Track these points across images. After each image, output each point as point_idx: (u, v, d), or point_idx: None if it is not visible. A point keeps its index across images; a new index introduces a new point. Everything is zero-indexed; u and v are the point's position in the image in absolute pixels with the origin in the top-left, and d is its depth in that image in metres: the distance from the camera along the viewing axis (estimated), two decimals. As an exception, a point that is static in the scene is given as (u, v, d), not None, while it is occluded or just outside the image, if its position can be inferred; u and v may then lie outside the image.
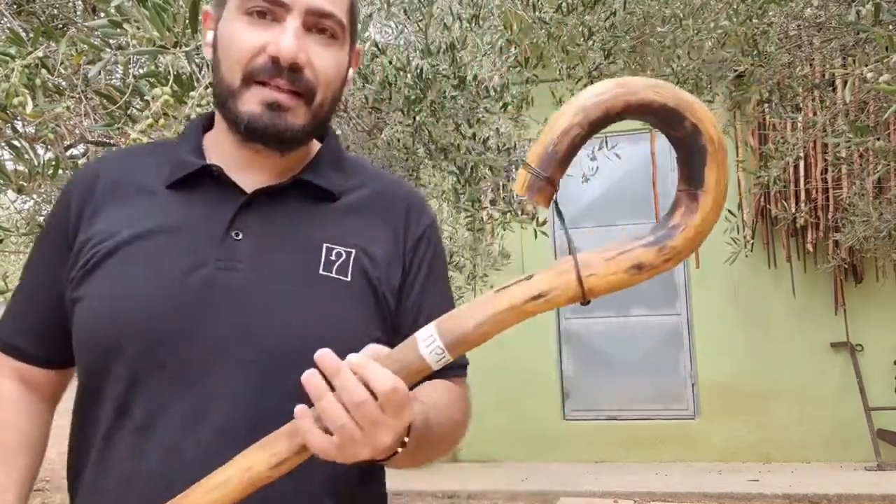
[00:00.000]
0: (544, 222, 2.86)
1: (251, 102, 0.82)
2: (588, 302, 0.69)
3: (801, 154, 4.31)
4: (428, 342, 0.67)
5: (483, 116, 2.30)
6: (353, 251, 0.85)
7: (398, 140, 2.33)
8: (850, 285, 4.94)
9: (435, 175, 2.75)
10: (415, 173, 2.59)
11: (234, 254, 0.82)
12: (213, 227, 0.83)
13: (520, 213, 2.80)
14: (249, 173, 0.87)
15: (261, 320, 0.80)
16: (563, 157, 0.68)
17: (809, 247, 4.85)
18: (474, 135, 2.31)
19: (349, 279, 0.84)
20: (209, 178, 0.87)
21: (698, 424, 5.17)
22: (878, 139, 2.32)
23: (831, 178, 4.55)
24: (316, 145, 0.94)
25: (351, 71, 0.93)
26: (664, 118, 0.69)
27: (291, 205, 0.87)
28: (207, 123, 0.95)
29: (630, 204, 5.42)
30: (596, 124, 0.68)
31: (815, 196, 4.74)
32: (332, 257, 0.84)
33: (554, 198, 0.69)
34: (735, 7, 2.19)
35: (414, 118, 2.22)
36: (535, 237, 3.02)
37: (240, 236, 0.84)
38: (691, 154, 0.69)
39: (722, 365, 5.14)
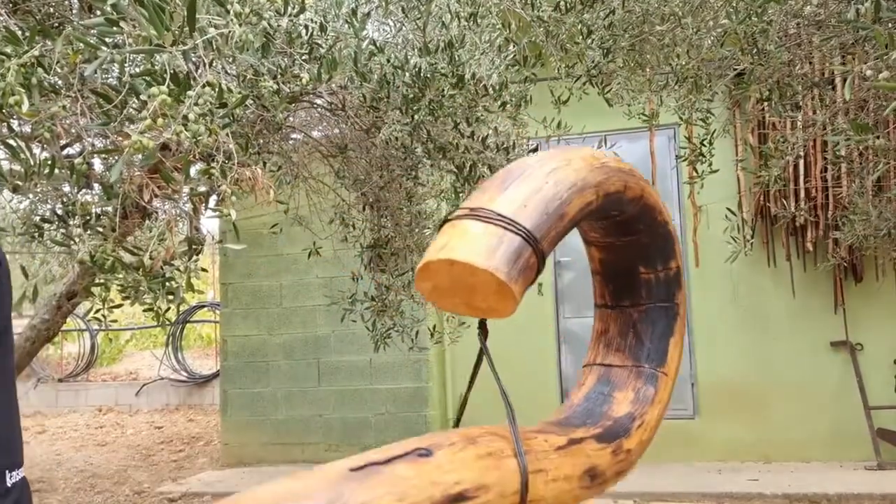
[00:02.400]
0: (543, 221, 2.85)
1: None
2: None
3: (801, 153, 4.30)
4: None
5: (482, 115, 2.29)
6: None
7: (396, 139, 2.33)
8: (850, 284, 4.93)
9: (433, 174, 2.74)
10: (413, 172, 2.58)
11: None
12: None
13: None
14: None
15: None
16: (565, 228, 0.42)
17: (809, 246, 4.84)
18: (473, 133, 2.30)
19: None
20: None
21: (698, 424, 5.16)
22: (878, 137, 2.31)
23: (831, 177, 4.54)
24: None
25: None
26: (653, 244, 0.47)
27: None
28: None
29: (629, 203, 5.42)
30: (608, 202, 0.44)
31: (815, 195, 4.73)
32: None
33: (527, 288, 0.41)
34: (734, 5, 2.19)
35: (412, 117, 2.22)
36: (534, 236, 3.01)
37: None
38: (654, 315, 0.48)
39: (722, 364, 5.14)
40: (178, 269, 1.85)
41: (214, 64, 1.63)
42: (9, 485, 0.74)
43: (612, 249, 0.50)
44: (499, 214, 0.38)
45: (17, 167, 1.74)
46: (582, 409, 0.48)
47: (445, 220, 0.40)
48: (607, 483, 0.44)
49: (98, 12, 1.59)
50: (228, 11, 1.56)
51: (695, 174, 2.72)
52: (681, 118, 2.68)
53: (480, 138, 2.30)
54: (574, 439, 0.44)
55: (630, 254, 0.50)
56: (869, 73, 1.93)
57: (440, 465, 0.38)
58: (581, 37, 2.32)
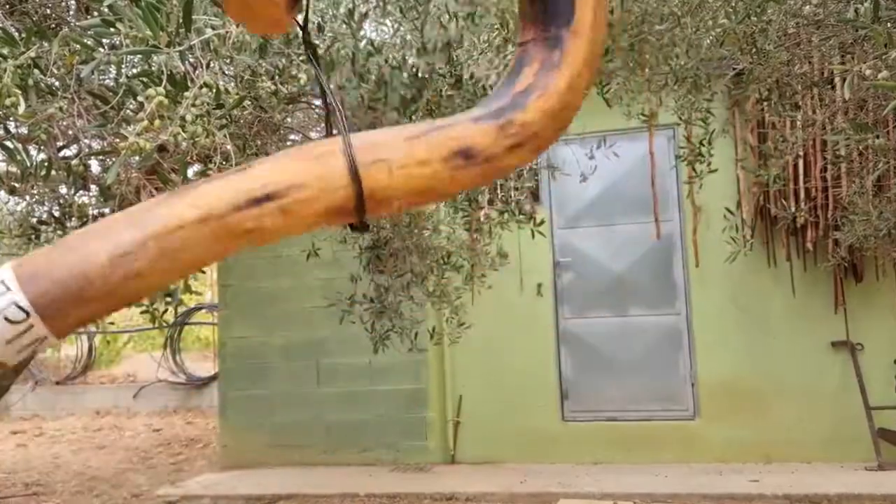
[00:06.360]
0: (542, 222, 2.85)
1: None
2: (364, 226, 0.38)
3: (801, 152, 4.30)
4: None
5: (480, 115, 2.28)
6: None
7: (395, 140, 2.32)
8: (850, 284, 4.93)
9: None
10: (412, 173, 2.57)
11: None
12: None
13: (517, 213, 2.79)
14: None
15: None
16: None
17: (809, 245, 4.84)
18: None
19: None
20: None
21: (698, 425, 5.15)
22: (878, 137, 2.30)
23: (831, 177, 4.54)
24: None
25: None
26: None
27: None
28: None
29: (629, 202, 5.41)
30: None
31: (815, 194, 4.73)
32: None
33: None
34: (733, 5, 2.18)
35: (410, 117, 2.21)
36: (533, 237, 3.01)
37: None
38: None
39: (722, 365, 5.13)
40: (176, 271, 1.84)
41: (212, 65, 1.62)
42: None
43: None
44: None
45: (13, 169, 1.74)
46: (495, 92, 0.43)
47: None
48: (497, 159, 0.39)
49: (94, 13, 1.58)
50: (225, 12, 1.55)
51: (694, 174, 2.71)
52: (680, 118, 2.67)
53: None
54: (438, 126, 0.40)
55: None
56: (868, 72, 1.92)
57: (253, 174, 0.36)
58: (580, 37, 2.31)
